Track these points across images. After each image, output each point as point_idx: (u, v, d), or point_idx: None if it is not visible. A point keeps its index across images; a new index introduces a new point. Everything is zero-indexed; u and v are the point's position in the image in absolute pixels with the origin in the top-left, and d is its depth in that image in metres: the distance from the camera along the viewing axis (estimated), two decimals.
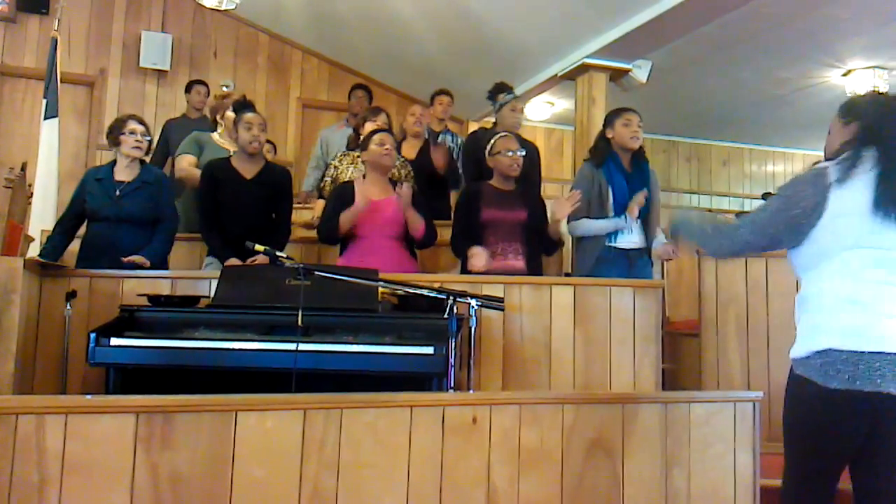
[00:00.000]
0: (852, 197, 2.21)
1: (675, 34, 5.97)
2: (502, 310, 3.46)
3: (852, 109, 2.42)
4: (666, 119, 9.39)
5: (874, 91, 2.57)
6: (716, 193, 10.43)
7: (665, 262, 5.57)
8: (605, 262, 4.25)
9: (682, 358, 4.79)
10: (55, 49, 5.95)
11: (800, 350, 2.28)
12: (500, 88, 5.23)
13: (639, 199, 4.23)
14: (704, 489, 2.78)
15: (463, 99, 7.63)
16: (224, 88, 7.41)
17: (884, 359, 2.14)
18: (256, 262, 3.95)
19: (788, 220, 2.28)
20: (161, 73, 8.02)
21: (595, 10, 5.90)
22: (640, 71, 6.70)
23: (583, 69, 6.60)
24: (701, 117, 9.34)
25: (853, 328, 2.18)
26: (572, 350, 3.87)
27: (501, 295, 3.74)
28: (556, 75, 7.02)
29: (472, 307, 3.05)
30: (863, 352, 2.15)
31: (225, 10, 7.13)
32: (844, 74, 7.41)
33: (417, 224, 4.16)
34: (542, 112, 9.10)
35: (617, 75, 6.66)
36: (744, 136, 10.24)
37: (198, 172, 4.95)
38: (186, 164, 5.12)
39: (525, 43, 6.82)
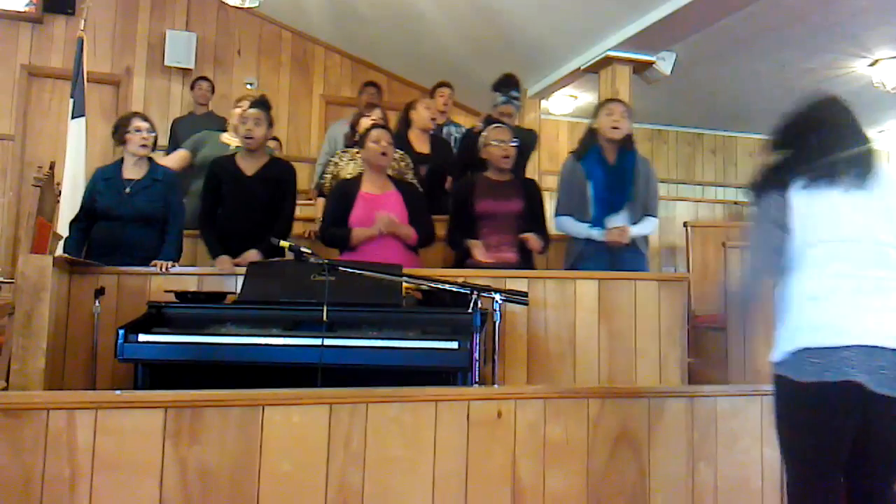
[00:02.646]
0: (808, 194, 2.27)
1: (698, 26, 5.93)
2: (526, 304, 3.46)
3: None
4: (691, 111, 9.33)
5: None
6: (741, 186, 10.32)
7: (689, 255, 5.54)
8: (587, 258, 4.20)
9: (707, 352, 4.75)
10: (81, 49, 6.01)
11: (776, 353, 2.30)
12: (500, 86, 5.30)
13: (621, 234, 4.14)
14: (731, 483, 2.77)
15: (484, 93, 7.62)
16: (248, 86, 7.46)
17: (852, 350, 2.15)
18: (246, 260, 3.93)
19: (774, 223, 2.32)
20: (186, 72, 8.07)
21: (618, 2, 5.86)
22: (664, 63, 6.64)
23: (606, 62, 6.56)
24: (726, 109, 9.26)
25: (820, 324, 2.20)
26: (597, 344, 3.86)
27: (525, 289, 3.73)
28: (578, 68, 6.99)
29: (497, 302, 3.05)
30: (833, 346, 2.16)
31: (248, 8, 7.17)
32: (871, 64, 7.32)
33: (408, 236, 4.10)
34: (564, 106, 9.06)
35: (641, 68, 6.62)
36: (769, 128, 10.12)
37: (175, 165, 5.03)
38: (175, 156, 5.21)
39: (547, 36, 6.80)
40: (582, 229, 4.22)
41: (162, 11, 8.10)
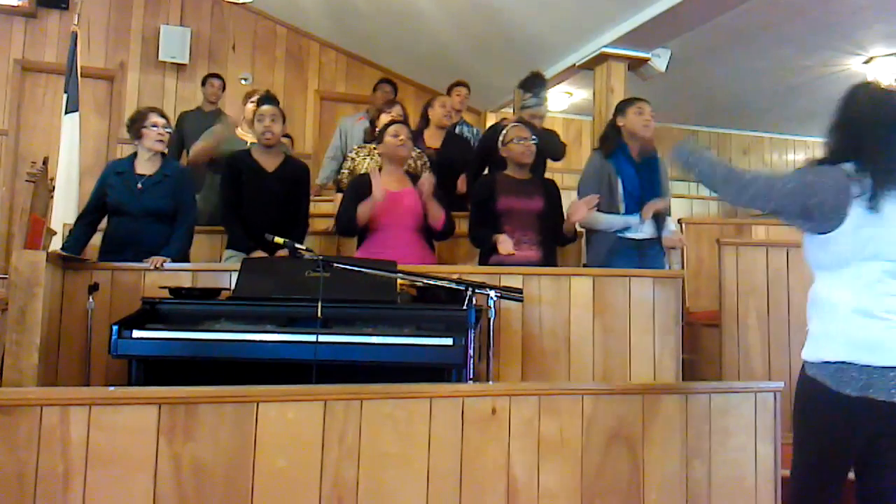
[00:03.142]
0: (876, 207, 2.18)
1: (693, 23, 5.93)
2: (521, 301, 3.46)
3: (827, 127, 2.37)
4: (685, 108, 9.33)
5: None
6: None
7: (684, 252, 5.55)
8: (617, 253, 4.22)
9: (702, 349, 4.77)
10: (75, 43, 5.99)
11: (812, 354, 2.27)
12: (530, 85, 5.17)
13: (656, 205, 4.24)
14: (725, 480, 2.78)
15: (480, 90, 7.63)
16: (242, 82, 7.44)
17: None
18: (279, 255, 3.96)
19: (802, 205, 2.24)
20: (180, 67, 8.06)
21: None
22: (659, 60, 6.64)
23: (601, 59, 6.56)
24: (720, 106, 9.27)
25: (867, 342, 2.17)
26: (591, 341, 3.86)
27: (520, 286, 3.74)
28: (574, 65, 6.98)
29: (491, 298, 3.05)
30: (880, 366, 2.15)
31: (243, 4, 7.15)
32: (866, 62, 7.32)
33: (438, 214, 4.15)
34: (560, 102, 9.05)
35: (636, 65, 6.62)
36: (764, 125, 10.16)
37: (207, 146, 5.03)
38: (200, 145, 5.15)
39: (543, 33, 6.79)
40: (617, 220, 4.24)
41: (156, 6, 8.08)
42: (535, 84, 5.17)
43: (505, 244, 4.07)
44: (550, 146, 5.00)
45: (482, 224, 4.22)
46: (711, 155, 2.48)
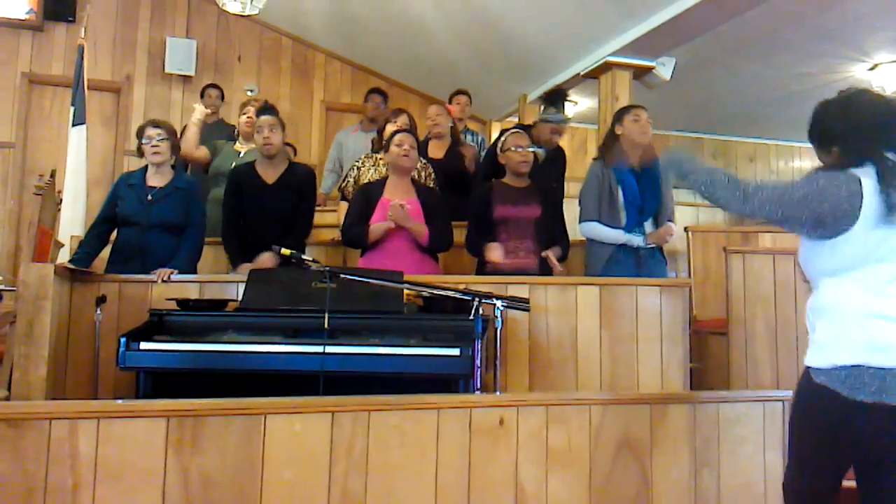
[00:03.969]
0: (883, 210, 2.17)
1: (698, 31, 5.93)
2: (528, 310, 3.46)
3: (826, 135, 2.39)
4: (691, 116, 9.32)
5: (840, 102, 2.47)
6: None
7: (690, 261, 5.54)
8: (616, 261, 4.22)
9: (709, 357, 4.75)
10: (82, 56, 6.03)
11: (821, 361, 2.22)
12: (554, 99, 5.15)
13: (666, 234, 4.28)
14: (734, 489, 2.77)
15: (485, 99, 7.65)
16: (248, 93, 7.47)
17: None
18: (262, 263, 4.01)
19: (813, 211, 2.20)
20: (186, 79, 8.09)
21: (617, 7, 5.87)
22: (664, 68, 6.64)
23: (606, 67, 6.56)
24: (726, 114, 9.26)
25: (879, 344, 2.14)
26: (598, 350, 3.85)
27: (527, 296, 3.74)
28: (578, 74, 6.99)
29: (498, 308, 3.04)
30: (891, 367, 2.12)
31: (248, 16, 7.17)
32: (871, 69, 7.31)
33: (420, 233, 4.12)
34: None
35: (640, 73, 6.62)
36: (770, 132, 10.14)
37: (200, 153, 5.17)
38: (191, 145, 5.23)
39: (547, 42, 6.80)
40: (618, 235, 4.23)
41: (162, 19, 8.11)
42: (559, 99, 5.16)
43: (494, 252, 4.06)
44: (548, 168, 4.95)
45: (478, 232, 4.23)
46: (706, 163, 2.46)
